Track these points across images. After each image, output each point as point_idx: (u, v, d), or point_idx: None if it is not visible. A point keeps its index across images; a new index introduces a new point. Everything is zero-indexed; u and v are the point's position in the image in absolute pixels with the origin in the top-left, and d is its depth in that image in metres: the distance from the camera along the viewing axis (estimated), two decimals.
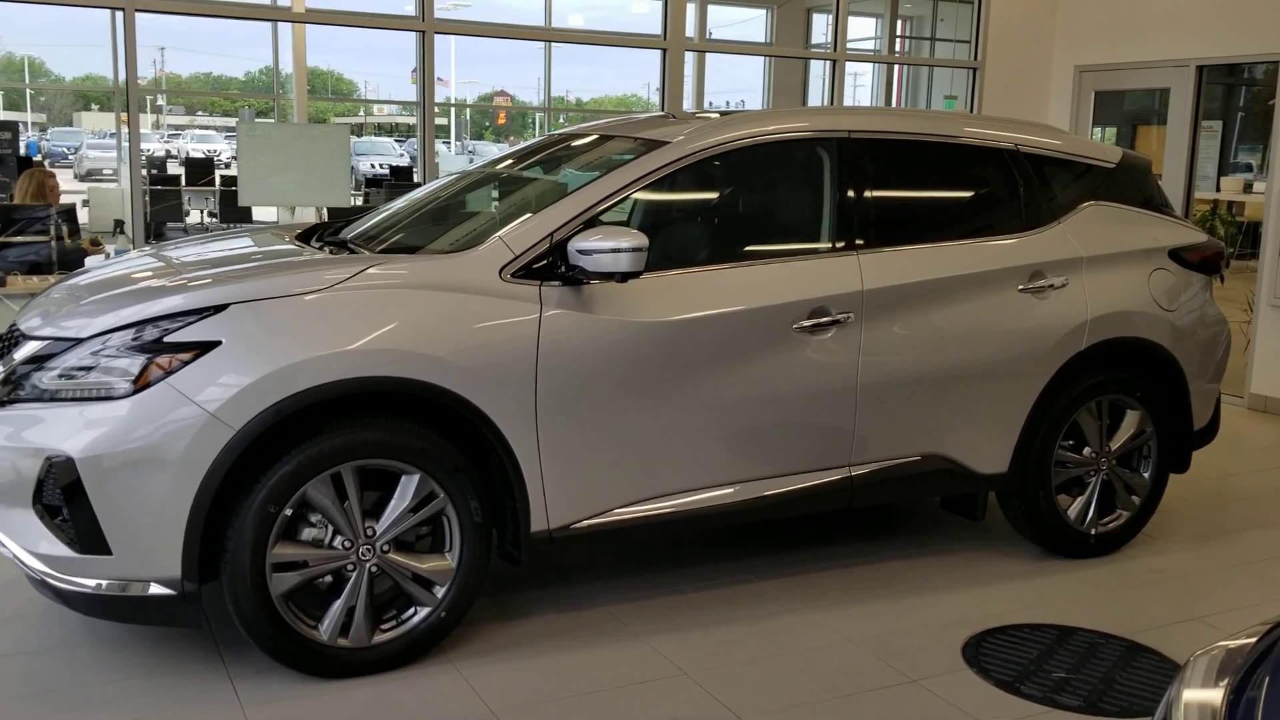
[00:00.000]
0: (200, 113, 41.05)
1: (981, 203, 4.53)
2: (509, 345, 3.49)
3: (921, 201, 4.48)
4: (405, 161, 24.86)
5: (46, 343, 3.37)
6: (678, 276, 3.81)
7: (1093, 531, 4.62)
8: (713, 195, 4.27)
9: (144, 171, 16.56)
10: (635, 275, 3.55)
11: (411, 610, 3.53)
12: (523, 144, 5.05)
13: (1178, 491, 5.36)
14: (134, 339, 3.25)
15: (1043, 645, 3.83)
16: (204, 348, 3.22)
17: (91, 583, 3.24)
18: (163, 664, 3.51)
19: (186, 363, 3.21)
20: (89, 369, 3.25)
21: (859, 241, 4.11)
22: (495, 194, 4.69)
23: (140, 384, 3.19)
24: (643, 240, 3.50)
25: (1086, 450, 4.56)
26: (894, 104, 13.54)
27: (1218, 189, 13.96)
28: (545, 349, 3.53)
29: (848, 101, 9.25)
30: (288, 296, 3.34)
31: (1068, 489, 4.59)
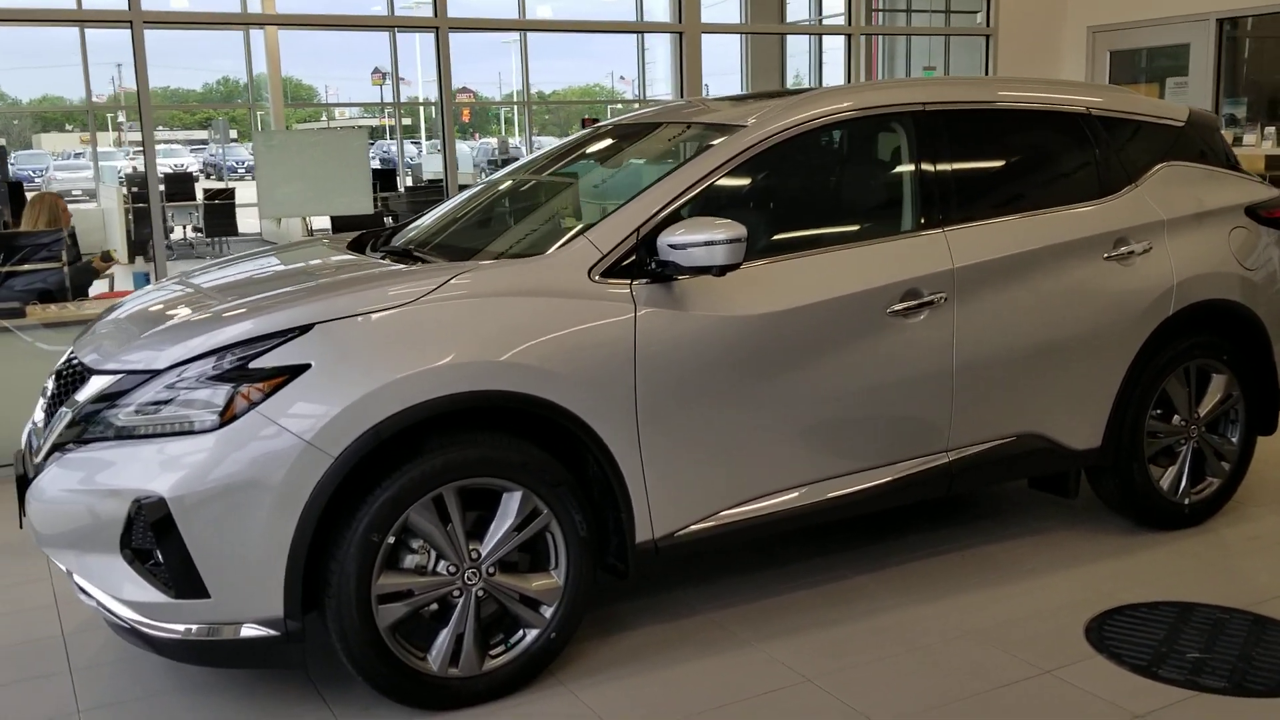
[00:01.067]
0: (161, 128, 40.44)
1: (1061, 170, 4.38)
2: (606, 348, 3.32)
3: (1001, 172, 4.33)
4: (376, 165, 24.43)
5: (118, 377, 3.16)
6: (765, 266, 3.64)
7: (1186, 501, 4.50)
8: (791, 179, 4.09)
9: (125, 190, 16.23)
10: (734, 268, 3.38)
11: (520, 633, 3.36)
12: (568, 139, 4.85)
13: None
14: (214, 368, 3.05)
15: (1167, 624, 3.70)
16: (293, 372, 3.03)
17: (181, 628, 3.06)
18: (259, 707, 3.32)
19: (275, 389, 3.01)
20: (166, 403, 3.05)
21: (942, 218, 3.96)
22: (556, 193, 4.50)
23: (227, 415, 3.00)
24: (740, 230, 3.33)
25: (1176, 418, 4.44)
26: (874, 76, 13.38)
27: None
28: (643, 350, 3.36)
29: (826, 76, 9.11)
30: (375, 312, 3.15)
31: (1156, 459, 4.47)
